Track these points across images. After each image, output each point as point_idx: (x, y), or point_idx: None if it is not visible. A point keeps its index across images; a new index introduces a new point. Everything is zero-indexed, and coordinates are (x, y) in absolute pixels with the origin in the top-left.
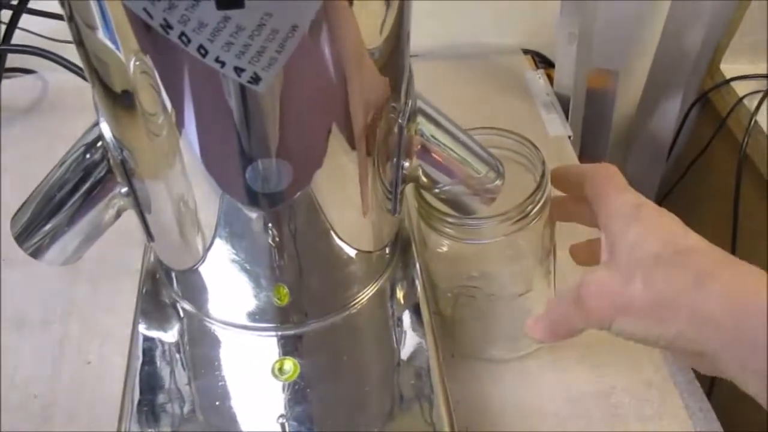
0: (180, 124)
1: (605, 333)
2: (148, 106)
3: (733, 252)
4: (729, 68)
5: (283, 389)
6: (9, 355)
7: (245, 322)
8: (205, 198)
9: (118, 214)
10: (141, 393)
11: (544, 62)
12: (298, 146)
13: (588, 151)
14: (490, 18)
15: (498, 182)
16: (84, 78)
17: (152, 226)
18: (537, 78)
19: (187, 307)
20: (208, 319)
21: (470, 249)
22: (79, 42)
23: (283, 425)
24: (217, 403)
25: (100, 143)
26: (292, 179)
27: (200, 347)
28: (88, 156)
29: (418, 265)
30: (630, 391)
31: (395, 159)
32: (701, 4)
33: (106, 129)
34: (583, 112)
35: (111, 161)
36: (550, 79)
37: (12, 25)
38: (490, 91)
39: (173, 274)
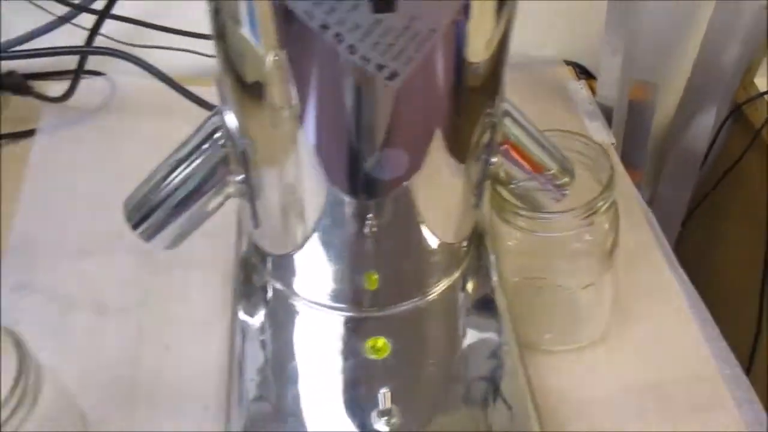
0: (303, 116)
1: (656, 329)
2: (277, 98)
3: (766, 262)
4: (762, 82)
5: (377, 366)
6: (94, 337)
7: (338, 304)
8: (314, 188)
9: (224, 201)
10: (245, 374)
11: (584, 73)
12: (408, 142)
13: (628, 159)
14: (533, 31)
15: (567, 179)
16: (161, 79)
17: (260, 212)
18: (579, 88)
19: (283, 290)
20: (303, 302)
21: (539, 242)
22: (220, 35)
23: (384, 395)
24: (318, 379)
25: (219, 132)
26: (398, 173)
27: (296, 328)
28: (206, 144)
29: (492, 257)
30: (681, 384)
31: (485, 156)
32: (737, 21)
33: (231, 118)
34: (624, 122)
35: (230, 149)
36: (591, 89)
37: (95, 29)
38: (534, 100)
39: (270, 260)
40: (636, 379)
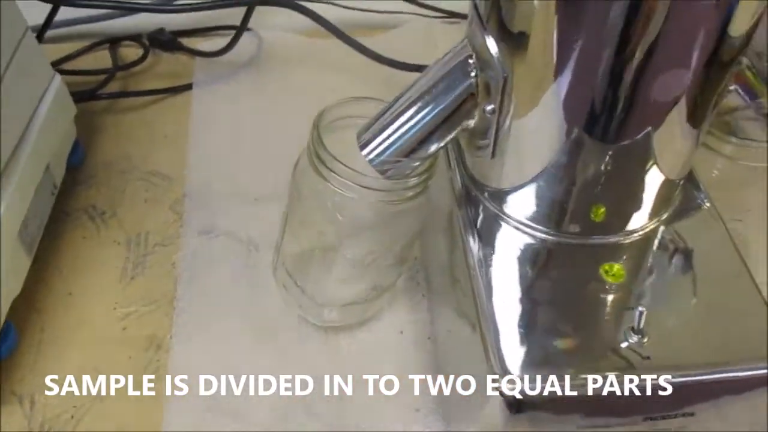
0: (560, 65)
1: None
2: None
3: None
4: None
5: (619, 289)
6: None
7: (565, 232)
8: (559, 126)
9: (457, 134)
10: (495, 304)
11: None
12: (659, 96)
13: None
14: None
15: None
16: (332, 31)
17: (502, 143)
18: None
19: (511, 222)
20: (530, 231)
21: (740, 172)
22: None
23: (640, 314)
24: (567, 300)
25: (472, 60)
26: (644, 119)
27: (530, 255)
28: (456, 72)
29: (702, 188)
30: None
31: (725, 91)
32: None
33: (491, 43)
34: None
35: (482, 77)
36: None
37: None
38: None
39: (492, 192)
40: None
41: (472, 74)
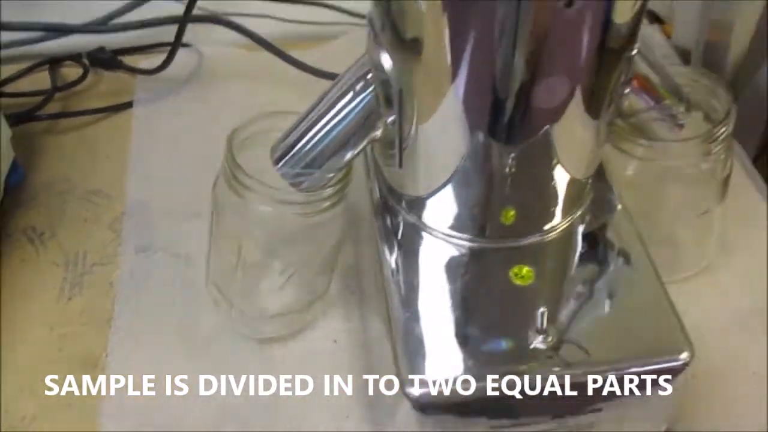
0: (455, 69)
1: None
2: (434, 39)
3: None
4: None
5: (527, 291)
6: None
7: (478, 237)
8: (460, 132)
9: (367, 145)
10: (404, 310)
11: (656, 20)
12: (552, 94)
13: None
14: None
15: (683, 109)
16: (262, 45)
17: (405, 154)
18: (655, 31)
19: (426, 229)
20: (445, 237)
21: (653, 172)
22: None
23: (542, 315)
24: (475, 304)
25: (371, 74)
26: (541, 118)
27: (448, 262)
28: (358, 86)
29: (614, 187)
30: None
31: (620, 91)
32: None
33: (386, 58)
34: (701, 65)
35: (382, 90)
36: (665, 34)
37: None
38: None
39: (413, 200)
40: (744, 305)
41: (370, 88)
